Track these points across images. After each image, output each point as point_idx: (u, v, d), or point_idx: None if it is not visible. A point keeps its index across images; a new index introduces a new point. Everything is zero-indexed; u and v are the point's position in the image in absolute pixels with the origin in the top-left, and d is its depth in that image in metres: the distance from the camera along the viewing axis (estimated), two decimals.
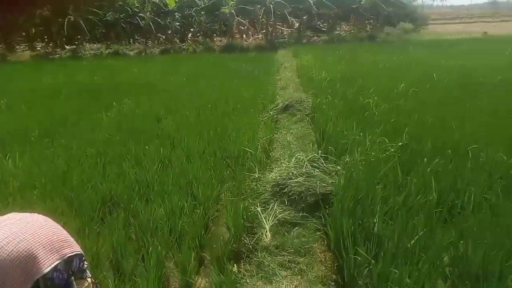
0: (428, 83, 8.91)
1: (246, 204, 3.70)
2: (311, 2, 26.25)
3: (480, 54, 15.23)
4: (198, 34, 28.59)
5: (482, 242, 2.89)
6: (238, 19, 26.68)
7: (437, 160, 4.30)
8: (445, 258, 2.87)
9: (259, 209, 3.42)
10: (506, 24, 36.85)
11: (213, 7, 26.90)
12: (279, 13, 26.39)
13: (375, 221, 3.11)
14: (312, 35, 28.26)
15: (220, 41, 27.79)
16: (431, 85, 8.72)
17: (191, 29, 28.71)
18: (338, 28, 29.79)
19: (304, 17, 28.07)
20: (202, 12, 27.15)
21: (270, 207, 3.44)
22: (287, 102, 7.77)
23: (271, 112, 7.64)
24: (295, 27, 29.08)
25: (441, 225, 3.22)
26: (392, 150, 4.68)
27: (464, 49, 17.23)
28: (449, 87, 8.50)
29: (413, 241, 2.80)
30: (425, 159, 4.33)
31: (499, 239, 2.95)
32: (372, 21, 29.35)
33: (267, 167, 4.73)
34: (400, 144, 4.80)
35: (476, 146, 4.65)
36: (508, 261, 2.81)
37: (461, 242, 2.96)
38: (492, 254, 2.76)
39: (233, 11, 25.98)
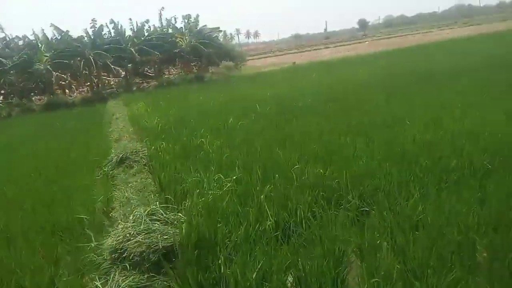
0: (253, 114, 9.70)
1: (85, 281, 3.33)
2: (133, 50, 26.14)
3: (292, 81, 17.41)
4: (12, 95, 25.36)
5: (315, 255, 3.18)
6: (57, 74, 24.70)
7: (268, 186, 4.63)
8: (288, 280, 3.05)
9: (98, 283, 3.10)
10: (308, 53, 43.40)
11: (24, 65, 24.28)
12: (101, 63, 25.47)
13: (219, 262, 3.14)
14: (141, 81, 28.02)
15: (40, 99, 25.22)
16: (256, 116, 9.51)
17: (2, 91, 25.34)
18: (167, 72, 30.31)
19: (129, 65, 27.72)
20: (12, 72, 24.26)
21: (111, 277, 3.15)
22: (121, 155, 7.43)
23: (105, 169, 7.19)
24: (122, 76, 28.44)
25: (279, 248, 3.44)
26: (229, 184, 4.88)
27: (279, 79, 19.47)
28: (270, 115, 9.41)
29: (255, 274, 2.91)
30: (258, 187, 4.63)
31: (328, 248, 3.29)
32: (197, 62, 30.75)
33: (107, 231, 4.37)
34: (234, 177, 5.03)
35: (298, 166, 5.19)
36: (339, 266, 3.15)
37: (299, 260, 3.21)
38: (324, 264, 3.06)
39: (48, 66, 23.95)
